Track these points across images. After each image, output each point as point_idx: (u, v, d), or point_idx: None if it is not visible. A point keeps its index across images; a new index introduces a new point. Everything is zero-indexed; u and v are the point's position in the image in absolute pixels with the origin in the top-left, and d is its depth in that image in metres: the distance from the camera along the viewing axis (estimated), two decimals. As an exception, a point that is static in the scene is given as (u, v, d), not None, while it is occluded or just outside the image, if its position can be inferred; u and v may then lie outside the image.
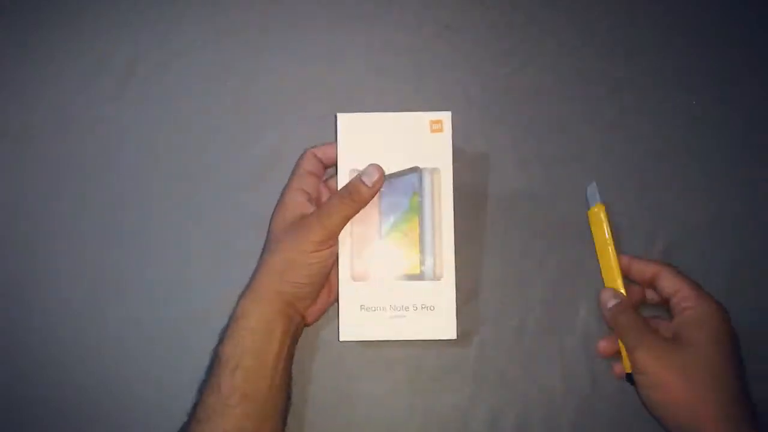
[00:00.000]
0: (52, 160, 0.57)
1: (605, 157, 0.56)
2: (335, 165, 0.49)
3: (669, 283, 0.48)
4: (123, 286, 0.55)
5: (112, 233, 0.56)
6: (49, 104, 0.58)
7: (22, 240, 0.56)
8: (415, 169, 0.48)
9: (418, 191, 0.48)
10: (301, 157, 0.51)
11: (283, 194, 0.50)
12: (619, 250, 0.50)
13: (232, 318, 0.48)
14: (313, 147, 0.51)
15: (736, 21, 0.58)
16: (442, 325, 0.47)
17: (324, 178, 0.52)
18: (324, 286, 0.50)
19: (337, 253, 0.48)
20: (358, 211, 0.47)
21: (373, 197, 0.47)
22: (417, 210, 0.48)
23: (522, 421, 0.52)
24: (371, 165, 0.47)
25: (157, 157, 0.57)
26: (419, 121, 0.48)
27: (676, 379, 0.44)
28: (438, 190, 0.48)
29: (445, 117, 0.49)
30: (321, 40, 0.58)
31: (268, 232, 0.50)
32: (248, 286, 0.48)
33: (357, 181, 0.47)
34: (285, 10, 0.59)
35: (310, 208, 0.48)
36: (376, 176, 0.47)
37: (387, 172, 0.47)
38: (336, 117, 0.49)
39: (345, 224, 0.48)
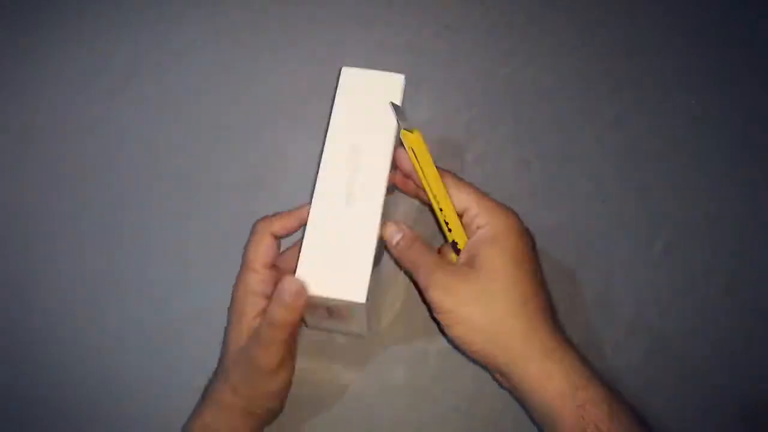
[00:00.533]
0: (52, 160, 0.57)
1: (605, 157, 0.56)
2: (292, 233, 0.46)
3: (456, 200, 0.44)
4: (123, 286, 0.55)
5: (112, 233, 0.56)
6: (49, 104, 0.58)
7: (22, 240, 0.56)
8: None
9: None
10: (253, 234, 0.45)
11: (234, 293, 0.45)
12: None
13: (190, 419, 0.45)
14: (264, 218, 0.46)
15: (736, 21, 0.58)
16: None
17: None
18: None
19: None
20: (294, 328, 0.42)
21: (298, 313, 0.41)
22: None
23: (522, 421, 0.52)
24: (285, 280, 0.41)
25: (157, 157, 0.57)
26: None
27: (473, 311, 0.41)
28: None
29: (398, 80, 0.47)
30: (321, 40, 0.58)
31: (223, 344, 0.45)
32: (196, 415, 0.44)
33: (274, 306, 0.41)
34: (285, 10, 0.59)
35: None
36: (294, 290, 0.41)
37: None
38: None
39: (291, 342, 0.42)
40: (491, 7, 0.59)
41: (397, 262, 0.46)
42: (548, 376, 0.40)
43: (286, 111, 0.57)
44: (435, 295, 0.41)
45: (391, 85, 0.47)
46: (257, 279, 0.44)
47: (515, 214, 0.44)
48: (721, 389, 0.49)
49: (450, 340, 0.43)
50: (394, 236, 0.44)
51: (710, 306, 0.52)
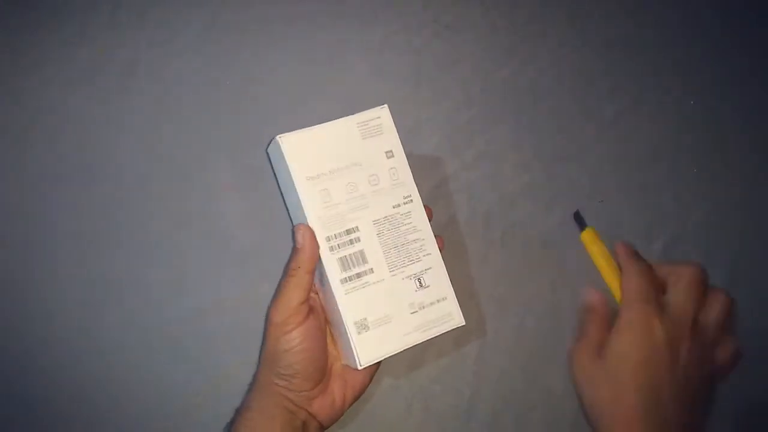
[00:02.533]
0: (52, 160, 0.57)
1: (605, 157, 0.56)
2: None
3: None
4: (122, 287, 0.55)
5: (112, 233, 0.56)
6: (49, 104, 0.57)
7: (22, 240, 0.56)
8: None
9: None
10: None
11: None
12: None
13: (238, 411, 0.47)
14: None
15: (736, 21, 0.58)
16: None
17: None
18: (326, 376, 0.46)
19: (324, 334, 0.46)
20: (307, 280, 0.45)
21: (312, 257, 0.44)
22: None
23: (522, 421, 0.52)
24: (296, 226, 0.45)
25: (157, 157, 0.57)
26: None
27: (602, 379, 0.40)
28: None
29: (383, 113, 0.47)
30: (321, 40, 0.58)
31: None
32: (254, 377, 0.48)
33: (292, 253, 0.45)
34: (285, 11, 0.59)
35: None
36: (299, 236, 0.45)
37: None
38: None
39: (303, 297, 0.45)
40: (491, 7, 0.59)
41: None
42: None
43: (286, 111, 0.57)
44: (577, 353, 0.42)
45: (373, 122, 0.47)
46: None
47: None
48: (721, 389, 0.49)
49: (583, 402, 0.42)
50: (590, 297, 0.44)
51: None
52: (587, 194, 0.56)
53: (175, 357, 0.53)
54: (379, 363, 0.46)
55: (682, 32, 0.58)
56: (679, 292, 0.41)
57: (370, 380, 0.48)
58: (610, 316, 0.43)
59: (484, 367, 0.53)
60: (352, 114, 0.47)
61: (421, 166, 0.57)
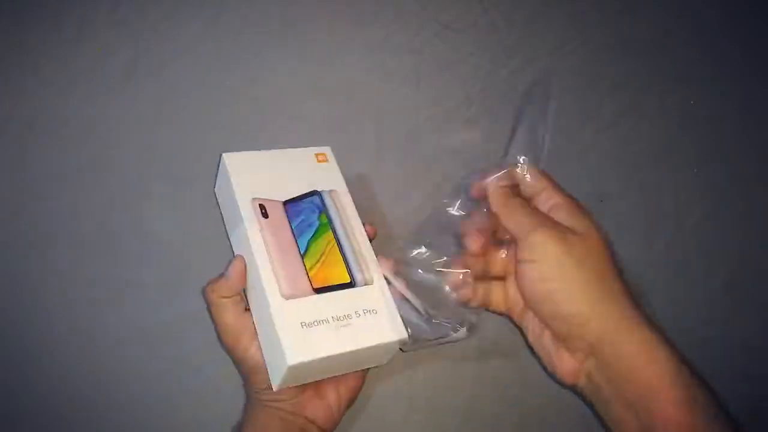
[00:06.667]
0: (52, 160, 0.57)
1: (605, 157, 0.56)
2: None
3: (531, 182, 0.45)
4: (122, 287, 0.55)
5: (112, 233, 0.56)
6: (49, 103, 0.58)
7: (22, 240, 0.56)
8: (313, 192, 0.48)
9: (324, 210, 0.48)
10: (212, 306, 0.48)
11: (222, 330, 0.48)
12: None
13: (235, 430, 0.48)
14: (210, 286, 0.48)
15: (736, 21, 0.58)
16: (390, 326, 0.45)
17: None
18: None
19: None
20: (232, 303, 0.46)
21: (238, 288, 0.46)
22: (328, 226, 0.48)
23: (522, 421, 0.52)
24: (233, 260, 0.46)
25: (157, 157, 0.57)
26: (305, 154, 0.50)
27: (572, 265, 0.40)
28: (341, 206, 0.49)
29: (327, 151, 0.50)
30: (321, 40, 0.58)
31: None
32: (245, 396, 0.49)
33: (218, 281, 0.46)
34: (284, 11, 0.59)
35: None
36: (233, 268, 0.45)
37: (286, 197, 0.48)
38: (221, 156, 0.49)
39: (235, 317, 0.45)
40: (491, 7, 0.59)
41: None
42: (654, 344, 0.39)
43: (286, 111, 0.57)
44: (539, 239, 0.41)
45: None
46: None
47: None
48: (721, 389, 0.49)
49: (525, 292, 0.42)
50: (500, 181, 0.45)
51: (709, 306, 0.52)
52: (587, 194, 0.56)
53: (175, 357, 0.53)
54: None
55: (682, 32, 0.58)
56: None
57: (363, 380, 0.48)
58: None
59: (484, 367, 0.53)
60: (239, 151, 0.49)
61: (421, 167, 0.57)
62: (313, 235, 0.47)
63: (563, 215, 0.42)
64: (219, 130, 0.57)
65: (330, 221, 0.48)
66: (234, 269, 0.45)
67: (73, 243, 0.55)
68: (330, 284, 0.45)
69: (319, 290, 0.45)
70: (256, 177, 0.48)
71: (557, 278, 0.40)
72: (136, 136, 0.57)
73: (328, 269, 0.46)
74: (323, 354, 0.43)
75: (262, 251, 0.45)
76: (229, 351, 0.46)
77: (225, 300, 0.46)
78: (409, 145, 0.56)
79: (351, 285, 0.46)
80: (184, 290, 0.55)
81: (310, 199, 0.48)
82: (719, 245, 0.55)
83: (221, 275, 0.46)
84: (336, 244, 0.47)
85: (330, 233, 0.48)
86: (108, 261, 0.55)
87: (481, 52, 0.58)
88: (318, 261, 0.46)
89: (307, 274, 0.46)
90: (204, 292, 0.46)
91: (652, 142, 0.56)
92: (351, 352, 0.43)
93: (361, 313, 0.45)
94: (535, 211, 0.43)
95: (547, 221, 0.42)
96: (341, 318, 0.44)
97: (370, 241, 0.48)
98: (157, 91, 0.58)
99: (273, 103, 0.58)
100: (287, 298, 0.44)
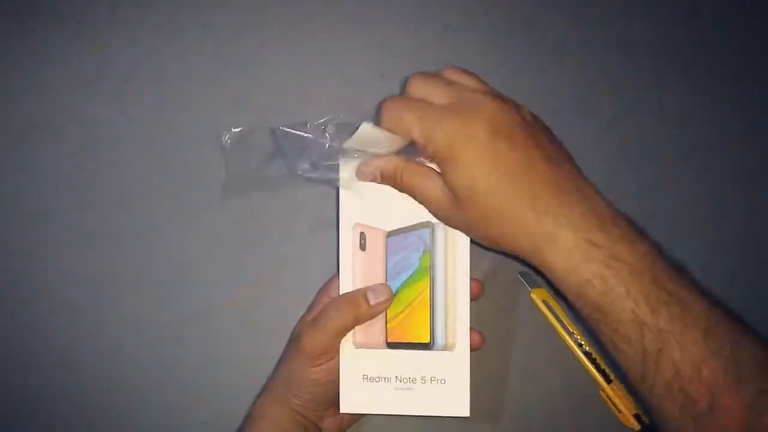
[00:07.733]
0: (52, 160, 0.57)
1: (605, 157, 0.56)
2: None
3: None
4: (123, 286, 0.55)
5: (112, 233, 0.56)
6: (49, 104, 0.57)
7: (22, 240, 0.56)
8: (426, 224, 0.42)
9: (430, 249, 0.42)
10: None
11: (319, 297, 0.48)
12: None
13: (249, 418, 0.47)
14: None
15: (736, 21, 0.58)
16: (454, 400, 0.43)
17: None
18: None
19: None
20: (354, 326, 0.43)
21: (372, 317, 0.43)
22: (428, 270, 0.43)
23: (522, 421, 0.52)
24: (381, 284, 0.43)
25: (157, 158, 0.57)
26: None
27: (502, 179, 0.38)
28: (452, 248, 0.43)
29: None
30: (321, 40, 0.58)
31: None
32: (265, 386, 0.48)
33: (359, 296, 0.43)
34: (284, 11, 0.59)
35: None
36: (382, 297, 0.43)
37: (395, 227, 0.43)
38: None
39: (341, 337, 0.43)
40: (491, 7, 0.59)
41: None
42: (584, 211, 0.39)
43: (286, 111, 0.57)
44: (463, 164, 0.38)
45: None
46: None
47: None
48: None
49: (467, 222, 0.40)
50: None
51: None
52: (587, 194, 0.56)
53: (176, 357, 0.53)
54: None
55: (682, 32, 0.58)
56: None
57: None
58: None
59: (484, 367, 0.53)
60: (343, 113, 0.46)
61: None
62: (407, 279, 0.43)
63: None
64: (219, 130, 0.57)
65: (432, 266, 0.43)
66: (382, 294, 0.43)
67: (73, 243, 0.55)
68: (406, 341, 0.43)
69: (392, 345, 0.43)
70: (367, 195, 0.43)
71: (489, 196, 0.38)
72: (136, 135, 0.57)
73: (410, 324, 0.43)
74: (374, 412, 0.44)
75: (349, 289, 0.43)
76: (302, 354, 0.44)
77: (354, 323, 0.44)
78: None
79: (428, 347, 0.43)
80: (184, 290, 0.55)
81: (418, 232, 0.43)
82: (719, 245, 0.54)
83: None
84: (428, 297, 0.43)
85: (426, 281, 0.43)
86: (109, 261, 0.55)
87: (481, 52, 0.58)
88: (402, 311, 0.43)
89: (386, 324, 0.43)
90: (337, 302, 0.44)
91: (652, 141, 0.56)
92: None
93: (427, 380, 0.43)
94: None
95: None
96: (405, 380, 0.43)
97: (472, 300, 0.44)
98: (156, 91, 0.58)
99: (273, 103, 0.58)
100: (357, 347, 0.43)
